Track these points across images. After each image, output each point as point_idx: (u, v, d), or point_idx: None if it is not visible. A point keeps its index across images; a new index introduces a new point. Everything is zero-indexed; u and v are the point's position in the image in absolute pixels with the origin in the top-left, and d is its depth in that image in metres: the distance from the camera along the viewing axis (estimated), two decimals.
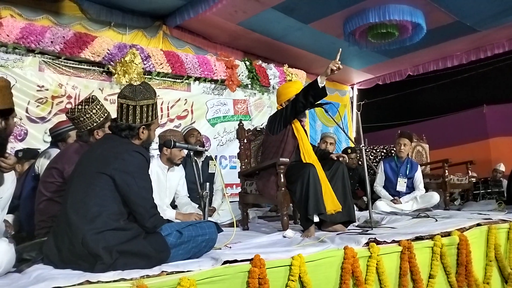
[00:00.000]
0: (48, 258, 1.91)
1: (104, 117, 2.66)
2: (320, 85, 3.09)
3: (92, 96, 2.72)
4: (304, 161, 3.19)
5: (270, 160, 3.25)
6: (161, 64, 5.56)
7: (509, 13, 6.40)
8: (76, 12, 5.77)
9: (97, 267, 1.72)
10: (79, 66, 5.12)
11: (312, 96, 3.13)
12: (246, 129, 3.89)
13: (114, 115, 2.19)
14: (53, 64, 4.95)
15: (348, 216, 3.16)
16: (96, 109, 2.65)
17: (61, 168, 2.49)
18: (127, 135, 2.07)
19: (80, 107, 2.63)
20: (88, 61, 5.10)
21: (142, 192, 1.96)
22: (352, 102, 9.86)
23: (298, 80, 6.76)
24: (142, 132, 2.10)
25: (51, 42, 4.76)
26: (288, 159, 3.08)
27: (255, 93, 6.79)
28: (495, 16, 6.49)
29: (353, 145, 5.46)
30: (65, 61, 5.00)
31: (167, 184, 3.72)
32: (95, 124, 2.64)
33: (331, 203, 2.98)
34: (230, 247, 2.42)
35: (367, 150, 6.12)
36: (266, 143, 3.53)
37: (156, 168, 3.63)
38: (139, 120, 2.06)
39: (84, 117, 2.62)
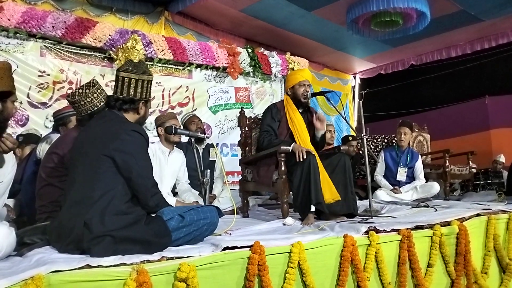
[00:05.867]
0: (51, 241, 1.93)
1: (104, 101, 2.64)
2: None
3: (93, 80, 2.70)
4: None
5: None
6: (162, 50, 5.53)
7: None
8: None
9: (98, 251, 1.73)
10: (81, 52, 5.10)
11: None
12: (248, 117, 3.89)
13: None
14: (55, 49, 4.93)
15: (349, 208, 3.12)
16: (97, 93, 2.63)
17: (61, 153, 2.49)
18: (127, 108, 2.09)
19: (81, 91, 2.61)
20: (90, 46, 5.08)
21: (143, 171, 1.97)
22: (354, 92, 9.83)
23: (305, 68, 6.72)
24: (141, 107, 2.12)
25: (53, 27, 4.74)
26: (289, 148, 3.07)
27: (257, 81, 6.76)
28: (500, 5, 6.43)
29: (354, 134, 5.46)
30: (67, 46, 4.99)
31: (168, 169, 3.72)
32: (95, 108, 2.61)
33: (329, 192, 2.96)
34: (230, 234, 2.43)
35: (368, 139, 6.12)
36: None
37: (158, 152, 3.64)
38: (139, 94, 2.09)
39: (85, 101, 2.60)
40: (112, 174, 1.90)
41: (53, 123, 3.65)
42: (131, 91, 2.07)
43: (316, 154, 3.11)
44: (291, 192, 3.15)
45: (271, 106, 3.57)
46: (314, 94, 3.68)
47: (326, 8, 6.48)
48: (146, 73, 2.12)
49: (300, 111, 3.46)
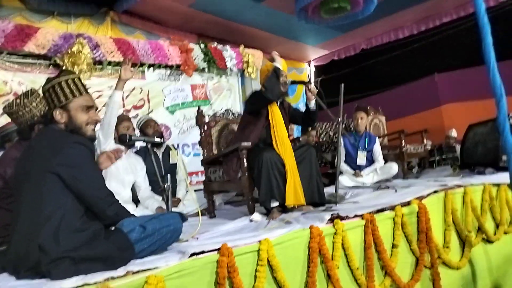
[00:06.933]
0: (7, 268, 1.83)
1: (44, 110, 2.48)
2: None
3: (31, 88, 2.56)
4: (276, 148, 3.14)
5: (234, 144, 3.24)
6: (111, 52, 5.34)
7: None
8: (15, 3, 5.41)
9: (58, 274, 1.65)
10: (24, 61, 4.84)
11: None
12: (207, 114, 3.84)
13: None
14: None
15: (312, 198, 3.13)
16: (36, 102, 2.48)
17: (3, 173, 2.33)
18: (51, 122, 1.98)
19: (18, 100, 2.46)
20: (33, 54, 4.82)
21: (93, 183, 1.89)
22: (309, 79, 9.92)
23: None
24: (59, 114, 1.95)
25: None
26: (249, 143, 3.05)
27: (212, 77, 6.68)
28: None
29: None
30: (8, 56, 4.71)
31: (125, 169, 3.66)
32: (35, 118, 2.46)
33: (293, 196, 2.94)
34: (197, 238, 2.40)
35: (327, 126, 6.22)
36: (240, 123, 3.50)
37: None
38: (52, 104, 1.97)
39: (23, 111, 2.45)
40: (60, 190, 1.80)
41: None
42: (50, 104, 1.98)
43: (291, 154, 3.10)
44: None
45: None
46: (293, 82, 3.69)
47: None
48: (51, 80, 1.98)
49: (278, 103, 3.40)
